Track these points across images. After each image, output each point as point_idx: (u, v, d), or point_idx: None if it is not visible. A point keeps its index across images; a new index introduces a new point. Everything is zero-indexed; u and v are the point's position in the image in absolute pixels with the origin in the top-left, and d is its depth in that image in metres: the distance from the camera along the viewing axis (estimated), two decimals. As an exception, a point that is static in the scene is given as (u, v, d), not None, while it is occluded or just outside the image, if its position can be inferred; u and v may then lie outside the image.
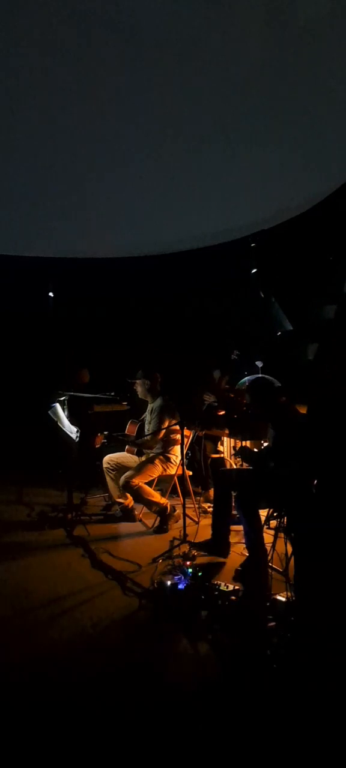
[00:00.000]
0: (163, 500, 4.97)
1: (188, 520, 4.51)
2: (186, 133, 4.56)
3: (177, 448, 5.05)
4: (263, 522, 3.62)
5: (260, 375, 6.12)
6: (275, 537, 3.52)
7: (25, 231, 6.07)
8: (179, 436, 4.83)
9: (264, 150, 4.81)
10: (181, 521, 4.52)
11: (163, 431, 5.01)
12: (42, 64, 3.68)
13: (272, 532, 3.72)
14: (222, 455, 5.71)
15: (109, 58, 3.94)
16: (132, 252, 7.06)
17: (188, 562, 3.78)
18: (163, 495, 5.08)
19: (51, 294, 7.75)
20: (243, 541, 4.14)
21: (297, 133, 4.47)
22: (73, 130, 4.34)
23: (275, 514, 3.69)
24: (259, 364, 6.34)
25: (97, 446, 5.27)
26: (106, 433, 5.25)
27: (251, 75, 4.11)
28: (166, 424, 5.00)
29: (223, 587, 3.33)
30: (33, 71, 3.71)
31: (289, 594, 3.05)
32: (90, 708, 2.41)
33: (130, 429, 5.53)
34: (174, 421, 4.99)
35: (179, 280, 7.60)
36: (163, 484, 5.30)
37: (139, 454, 5.27)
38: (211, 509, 4.85)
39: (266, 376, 6.00)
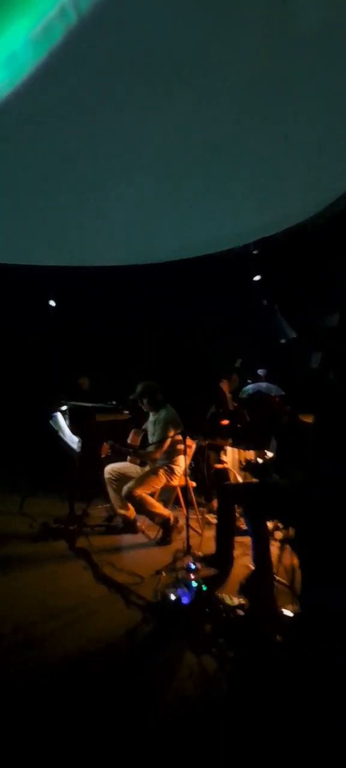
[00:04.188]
0: (166, 511, 4.92)
1: (191, 532, 4.46)
2: (187, 141, 4.55)
3: (181, 459, 5.00)
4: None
5: (261, 384, 6.09)
6: (281, 549, 3.47)
7: (26, 239, 6.06)
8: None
9: (266, 157, 4.80)
10: (184, 533, 4.46)
11: (169, 442, 4.96)
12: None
13: (278, 543, 3.67)
14: (226, 466, 5.67)
15: (109, 69, 3.93)
16: (133, 260, 7.04)
17: (192, 575, 3.72)
18: (165, 506, 5.03)
19: (52, 302, 7.74)
20: (248, 553, 4.09)
21: (300, 140, 4.45)
22: (75, 138, 4.32)
23: (280, 526, 3.64)
24: (262, 372, 6.31)
25: (103, 456, 5.23)
26: (111, 443, 5.20)
27: (252, 80, 4.09)
28: (172, 434, 4.95)
29: (228, 601, 3.28)
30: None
31: (295, 607, 3.00)
32: (92, 723, 2.36)
33: (134, 438, 5.48)
34: (178, 431, 4.93)
35: (181, 288, 7.58)
36: (165, 494, 5.24)
37: (142, 464, 5.22)
38: (214, 520, 4.80)
39: (269, 385, 5.97)
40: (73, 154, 4.57)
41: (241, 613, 3.19)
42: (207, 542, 4.57)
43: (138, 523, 5.17)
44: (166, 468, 5.01)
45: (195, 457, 5.70)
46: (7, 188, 4.89)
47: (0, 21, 3.70)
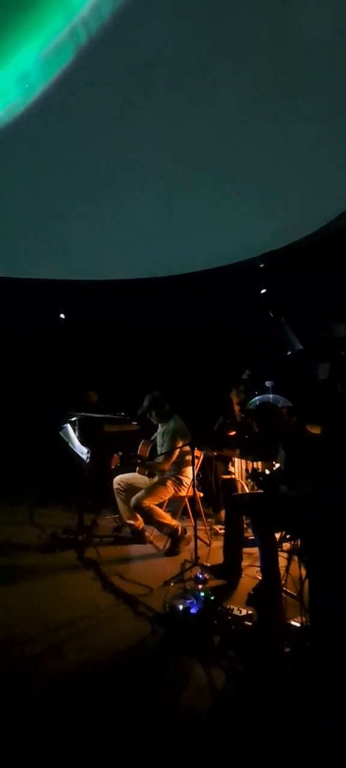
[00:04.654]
0: (174, 522, 4.93)
1: (199, 542, 4.47)
2: (195, 156, 4.61)
3: (189, 470, 5.01)
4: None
5: (268, 396, 6.10)
6: (289, 560, 3.47)
7: (36, 254, 6.15)
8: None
9: (273, 171, 4.85)
10: (192, 543, 4.47)
11: (177, 453, 4.98)
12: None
13: (286, 554, 3.68)
14: (233, 476, 5.68)
15: (118, 86, 4.01)
16: (141, 274, 7.11)
17: (200, 586, 3.73)
18: (173, 516, 5.04)
19: (62, 315, 7.81)
20: (255, 564, 4.09)
21: (306, 154, 4.50)
22: (85, 154, 4.40)
23: (287, 537, 3.64)
24: (269, 383, 6.32)
25: (113, 467, 5.27)
26: (121, 454, 5.23)
27: (259, 96, 4.16)
28: (180, 444, 4.97)
29: (236, 612, 3.28)
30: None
31: (303, 619, 3.00)
32: (100, 735, 2.37)
33: (143, 449, 5.51)
34: (186, 442, 4.95)
35: (189, 302, 7.63)
36: (173, 505, 5.26)
37: (150, 475, 5.24)
38: (222, 531, 4.81)
39: (276, 396, 5.99)
40: (84, 170, 4.66)
41: (249, 624, 3.19)
42: (215, 553, 4.57)
43: (146, 534, 5.18)
44: (174, 479, 5.03)
45: (203, 468, 5.71)
46: (19, 204, 4.99)
47: (12, 41, 3.80)
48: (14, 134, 3.95)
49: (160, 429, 5.35)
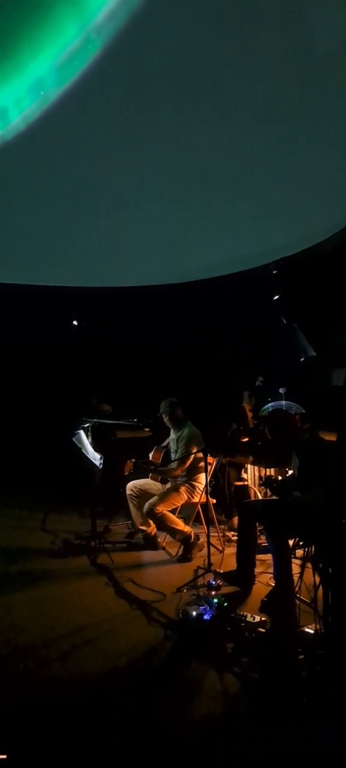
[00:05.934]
0: (186, 528, 4.93)
1: (212, 549, 4.46)
2: (207, 162, 4.64)
3: (202, 477, 5.01)
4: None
5: (281, 402, 6.08)
6: (303, 567, 3.45)
7: (47, 260, 6.21)
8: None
9: (286, 177, 4.85)
10: (205, 550, 4.47)
11: (191, 459, 4.98)
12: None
13: (299, 561, 3.65)
14: (246, 483, 5.66)
15: (131, 93, 4.05)
16: (154, 281, 7.14)
17: (213, 592, 3.72)
18: (186, 523, 5.03)
19: (75, 322, 7.85)
20: (269, 571, 4.07)
21: (319, 160, 4.50)
22: (96, 162, 4.45)
23: (301, 543, 3.62)
24: (282, 390, 6.30)
25: (126, 473, 5.28)
26: (134, 460, 5.25)
27: (271, 102, 4.17)
28: (194, 451, 4.97)
29: (249, 618, 3.27)
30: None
31: (317, 626, 2.98)
32: (113, 742, 2.37)
33: (155, 456, 5.52)
34: (200, 449, 4.95)
35: (202, 308, 7.63)
36: (186, 511, 5.25)
37: (163, 481, 5.24)
38: (235, 537, 4.79)
39: (289, 403, 5.96)
40: (95, 177, 4.71)
41: (262, 630, 3.17)
42: (228, 559, 4.56)
43: (159, 540, 5.18)
44: (187, 485, 5.03)
45: (215, 474, 5.70)
46: (29, 211, 5.06)
47: (27, 49, 3.86)
48: (29, 140, 4.01)
49: (173, 435, 5.36)
